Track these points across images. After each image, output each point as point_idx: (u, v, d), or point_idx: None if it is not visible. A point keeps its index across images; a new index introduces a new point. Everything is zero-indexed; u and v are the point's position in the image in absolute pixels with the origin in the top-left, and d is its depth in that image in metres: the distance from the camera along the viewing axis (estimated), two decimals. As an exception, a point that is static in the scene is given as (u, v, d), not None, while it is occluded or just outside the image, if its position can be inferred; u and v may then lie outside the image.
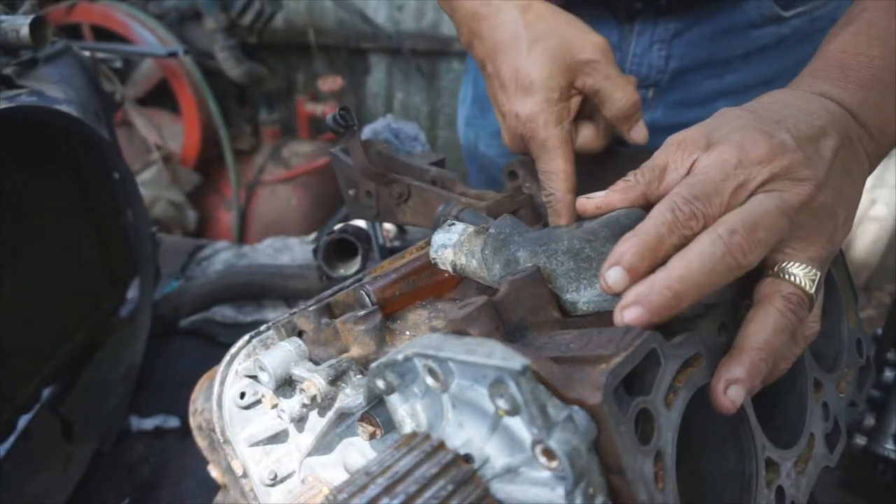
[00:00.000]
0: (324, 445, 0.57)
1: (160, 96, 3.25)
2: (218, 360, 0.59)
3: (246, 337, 0.60)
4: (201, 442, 0.66)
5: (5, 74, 0.92)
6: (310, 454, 0.58)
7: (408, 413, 0.42)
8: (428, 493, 0.36)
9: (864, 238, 2.84)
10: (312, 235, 2.15)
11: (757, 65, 0.93)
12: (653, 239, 0.43)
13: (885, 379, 0.82)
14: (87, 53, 1.19)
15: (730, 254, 0.43)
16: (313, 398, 0.55)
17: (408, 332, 0.60)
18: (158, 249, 1.42)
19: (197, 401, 0.66)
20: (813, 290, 0.47)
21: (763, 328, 0.45)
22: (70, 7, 3.07)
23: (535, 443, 0.34)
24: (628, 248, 0.43)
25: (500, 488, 0.37)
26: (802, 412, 0.55)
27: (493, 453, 0.38)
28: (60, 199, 1.19)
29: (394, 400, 0.42)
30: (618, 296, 0.43)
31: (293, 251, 1.90)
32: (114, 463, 1.23)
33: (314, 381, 0.55)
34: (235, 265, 1.78)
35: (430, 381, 0.39)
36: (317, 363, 0.59)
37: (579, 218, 0.55)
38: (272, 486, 0.60)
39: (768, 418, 0.50)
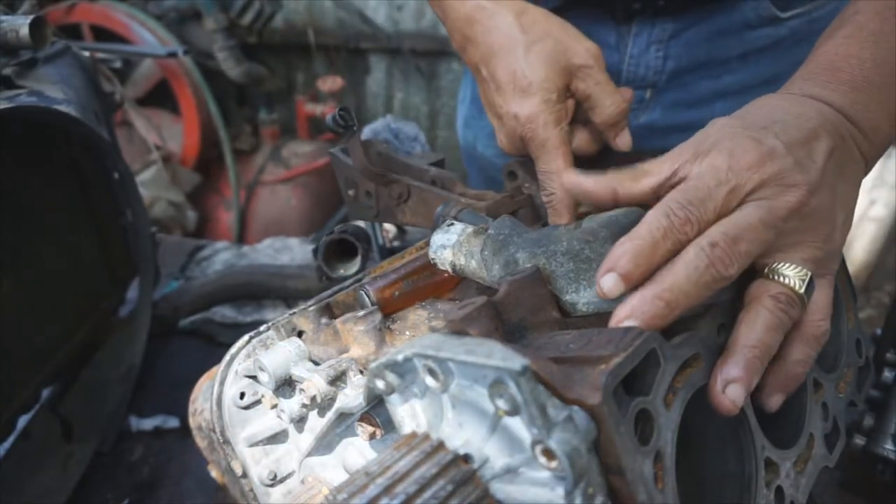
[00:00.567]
0: (323, 445, 0.57)
1: (160, 96, 3.25)
2: (218, 361, 0.59)
3: (246, 337, 0.60)
4: (201, 442, 0.66)
5: (5, 74, 0.92)
6: (309, 454, 0.58)
7: (407, 413, 0.42)
8: (427, 494, 0.36)
9: (863, 238, 2.84)
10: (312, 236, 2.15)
11: (754, 66, 0.93)
12: (647, 244, 0.44)
13: (884, 379, 0.82)
14: (86, 53, 1.18)
15: (712, 266, 0.44)
16: (313, 398, 0.55)
17: (407, 333, 0.60)
18: (158, 249, 1.42)
19: (197, 401, 0.66)
20: (803, 290, 0.47)
21: (754, 327, 0.46)
22: (70, 7, 3.07)
23: (534, 443, 0.34)
24: (623, 253, 0.44)
25: (499, 488, 0.37)
26: (802, 412, 0.55)
27: (492, 453, 0.38)
28: (60, 199, 1.19)
29: (393, 400, 0.42)
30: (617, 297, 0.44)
31: (293, 251, 1.89)
32: (113, 463, 1.22)
33: (314, 381, 0.55)
34: (235, 265, 1.78)
35: (429, 381, 0.39)
36: (316, 363, 0.59)
37: (579, 217, 0.55)
38: (272, 486, 0.61)
39: (768, 418, 0.50)
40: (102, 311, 1.32)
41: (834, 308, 0.52)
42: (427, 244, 0.61)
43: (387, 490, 0.36)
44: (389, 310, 0.61)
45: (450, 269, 0.59)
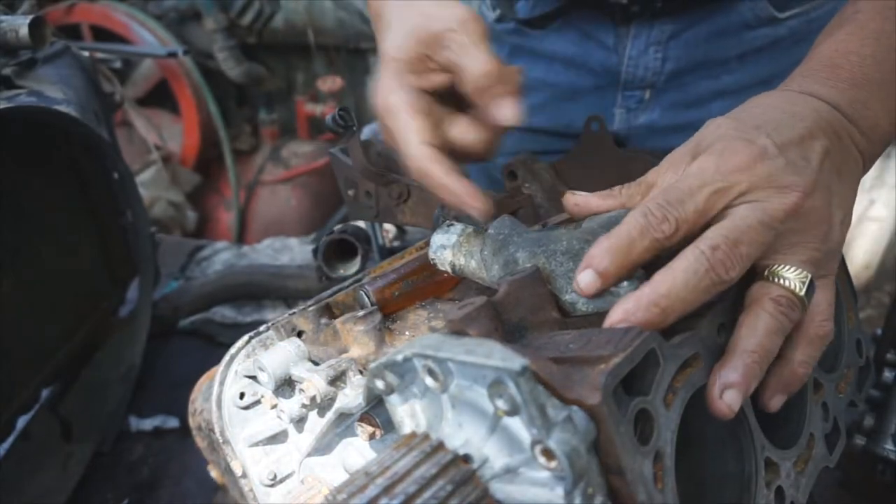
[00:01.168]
0: (323, 446, 0.57)
1: (160, 96, 3.26)
2: (217, 361, 0.59)
3: (245, 337, 0.60)
4: (201, 442, 0.66)
5: (4, 75, 0.92)
6: (309, 454, 0.58)
7: (407, 413, 0.42)
8: (427, 494, 0.36)
9: (864, 238, 2.84)
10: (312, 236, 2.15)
11: (753, 65, 0.93)
12: (623, 242, 0.44)
13: (884, 379, 0.82)
14: (86, 54, 1.19)
15: (713, 269, 0.43)
16: (313, 398, 0.55)
17: (407, 333, 0.60)
18: (158, 250, 1.42)
19: (196, 401, 0.66)
20: (803, 293, 0.47)
21: (754, 331, 0.45)
22: (69, 7, 3.08)
23: (534, 443, 0.34)
24: (599, 251, 0.45)
25: (499, 488, 0.37)
26: (802, 412, 0.55)
27: (492, 453, 0.38)
28: (60, 199, 1.19)
29: (393, 400, 0.42)
30: (616, 297, 0.44)
31: (293, 251, 1.90)
32: (113, 463, 1.23)
33: (313, 381, 0.55)
34: (235, 265, 1.78)
35: (429, 381, 0.39)
36: (316, 363, 0.59)
37: (574, 217, 0.55)
38: (271, 486, 0.60)
39: (768, 418, 0.50)
40: (102, 311, 1.32)
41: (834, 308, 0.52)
42: (427, 244, 0.61)
43: (386, 490, 0.36)
44: (389, 310, 0.61)
45: (449, 270, 0.59)
